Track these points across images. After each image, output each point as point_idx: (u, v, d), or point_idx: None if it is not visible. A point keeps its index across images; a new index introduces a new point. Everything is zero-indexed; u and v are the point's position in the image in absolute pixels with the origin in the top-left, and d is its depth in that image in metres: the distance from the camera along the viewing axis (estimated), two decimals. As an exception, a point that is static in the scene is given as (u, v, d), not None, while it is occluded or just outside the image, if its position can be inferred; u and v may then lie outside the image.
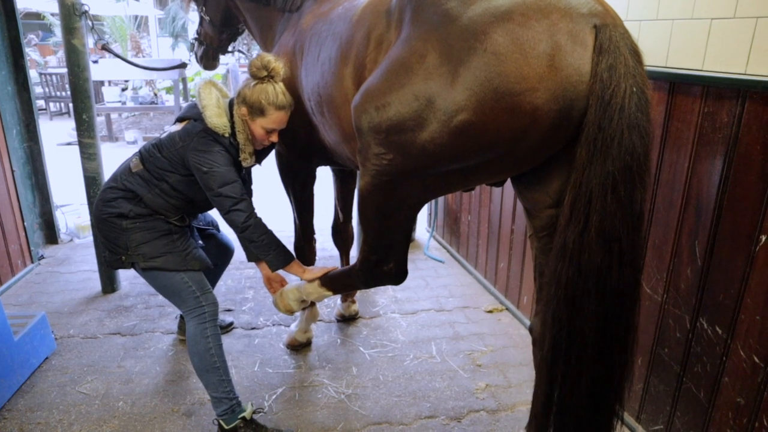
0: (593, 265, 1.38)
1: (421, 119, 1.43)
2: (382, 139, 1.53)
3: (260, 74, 2.08)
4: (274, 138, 2.20)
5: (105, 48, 3.30)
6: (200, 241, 2.51)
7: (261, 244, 2.15)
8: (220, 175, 2.08)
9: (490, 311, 3.29)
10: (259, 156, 2.34)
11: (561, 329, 1.45)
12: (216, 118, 2.11)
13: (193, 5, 2.91)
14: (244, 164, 2.21)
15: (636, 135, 1.32)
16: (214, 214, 2.53)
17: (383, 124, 1.51)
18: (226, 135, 2.13)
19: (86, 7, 3.02)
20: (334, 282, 2.14)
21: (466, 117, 1.37)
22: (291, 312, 2.29)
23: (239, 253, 2.56)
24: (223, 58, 3.23)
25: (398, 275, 1.89)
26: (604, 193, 1.34)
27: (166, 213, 2.19)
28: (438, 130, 1.42)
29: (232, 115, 2.16)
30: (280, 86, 2.11)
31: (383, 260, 1.85)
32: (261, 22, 2.65)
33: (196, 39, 3.01)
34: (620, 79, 1.31)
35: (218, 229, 2.69)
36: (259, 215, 2.17)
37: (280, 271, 2.29)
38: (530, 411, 1.92)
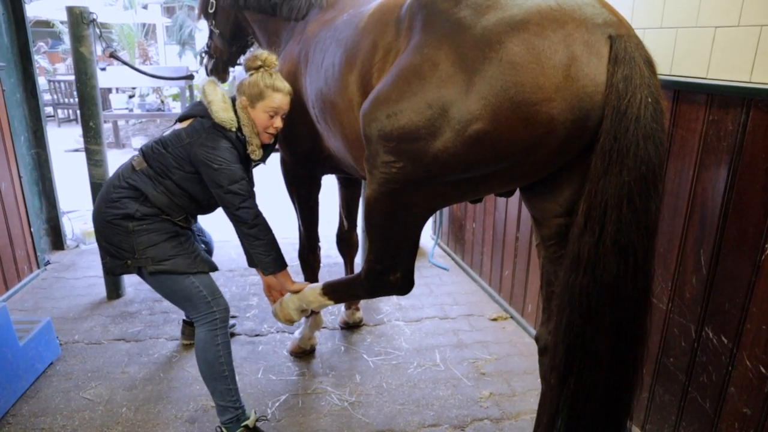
0: (609, 275, 1.37)
1: (434, 128, 1.42)
2: (392, 147, 1.51)
3: (254, 64, 2.16)
4: (278, 122, 2.20)
5: (113, 56, 3.34)
6: (202, 245, 2.51)
7: (266, 243, 2.17)
8: (231, 172, 2.09)
9: (495, 319, 3.28)
10: (264, 153, 2.34)
11: (575, 340, 1.44)
12: (223, 113, 2.13)
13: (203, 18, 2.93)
14: (252, 156, 2.22)
15: (651, 145, 1.32)
16: (209, 216, 2.52)
17: (395, 133, 1.49)
18: (233, 129, 2.15)
19: (94, 16, 3.05)
20: (336, 291, 2.10)
21: (481, 126, 1.36)
22: (291, 321, 2.24)
23: (243, 261, 2.56)
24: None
25: (405, 286, 1.84)
26: (619, 203, 1.33)
27: (170, 212, 2.17)
28: (452, 139, 1.40)
29: (235, 111, 2.18)
30: (276, 74, 2.17)
31: (389, 270, 1.80)
32: (268, 32, 2.66)
33: (206, 52, 3.02)
34: (636, 90, 1.31)
35: (206, 237, 2.70)
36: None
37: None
38: (535, 421, 1.91)
